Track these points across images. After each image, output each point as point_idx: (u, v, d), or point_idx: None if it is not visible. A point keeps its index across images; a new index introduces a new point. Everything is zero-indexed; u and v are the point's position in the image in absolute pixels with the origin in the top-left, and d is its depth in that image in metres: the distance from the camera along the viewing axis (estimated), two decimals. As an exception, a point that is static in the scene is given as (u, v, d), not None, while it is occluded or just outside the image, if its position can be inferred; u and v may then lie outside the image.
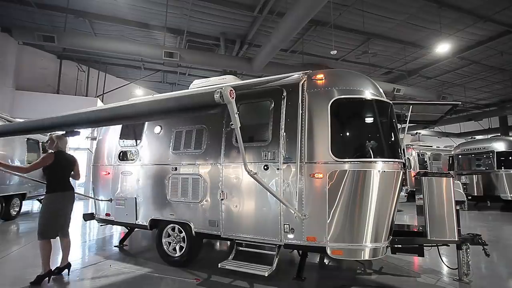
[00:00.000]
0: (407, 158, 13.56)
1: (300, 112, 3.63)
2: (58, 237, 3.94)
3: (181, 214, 4.41)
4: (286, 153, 3.64)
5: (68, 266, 4.03)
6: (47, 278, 3.70)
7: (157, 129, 4.89)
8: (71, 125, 3.61)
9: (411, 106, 4.51)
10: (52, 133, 4.39)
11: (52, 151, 4.05)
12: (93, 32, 11.22)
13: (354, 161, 3.41)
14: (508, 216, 9.68)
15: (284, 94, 3.82)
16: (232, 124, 2.49)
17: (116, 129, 5.44)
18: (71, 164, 4.17)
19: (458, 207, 3.90)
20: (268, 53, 9.98)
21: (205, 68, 14.05)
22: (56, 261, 4.11)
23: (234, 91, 2.35)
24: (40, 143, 9.99)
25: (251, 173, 2.81)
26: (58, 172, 4.03)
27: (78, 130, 4.18)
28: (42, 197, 10.64)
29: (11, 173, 5.80)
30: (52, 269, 3.89)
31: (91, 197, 5.58)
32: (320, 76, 3.78)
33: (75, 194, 4.28)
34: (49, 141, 4.15)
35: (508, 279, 4.20)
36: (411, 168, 13.84)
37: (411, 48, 12.30)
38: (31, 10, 9.59)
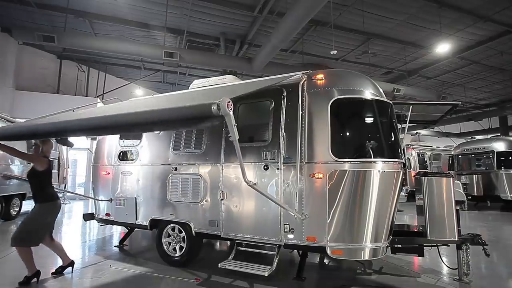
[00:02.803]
0: (407, 158, 13.56)
1: (300, 112, 3.63)
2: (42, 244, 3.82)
3: (181, 214, 4.41)
4: (286, 153, 3.64)
5: (71, 264, 4.05)
6: (36, 278, 3.66)
7: (157, 129, 4.89)
8: (63, 132, 3.47)
9: (411, 106, 4.50)
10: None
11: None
12: (93, 32, 11.21)
13: (354, 161, 3.41)
14: (508, 216, 9.68)
15: (284, 94, 3.82)
16: (230, 136, 2.44)
17: (116, 129, 5.43)
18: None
19: (458, 207, 3.91)
20: (268, 53, 9.97)
21: (205, 68, 14.03)
22: (56, 262, 4.11)
23: (232, 103, 2.30)
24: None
25: (250, 183, 2.80)
26: (48, 180, 3.89)
27: (71, 142, 4.05)
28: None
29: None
30: (55, 269, 3.94)
31: (90, 197, 5.57)
32: (320, 76, 3.78)
33: (73, 194, 4.23)
34: (33, 147, 3.94)
35: (508, 279, 4.20)
36: (411, 168, 13.84)
37: (411, 48, 12.29)
38: (31, 10, 9.58)
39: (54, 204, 3.87)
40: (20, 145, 8.50)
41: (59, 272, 3.94)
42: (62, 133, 3.58)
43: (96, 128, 3.20)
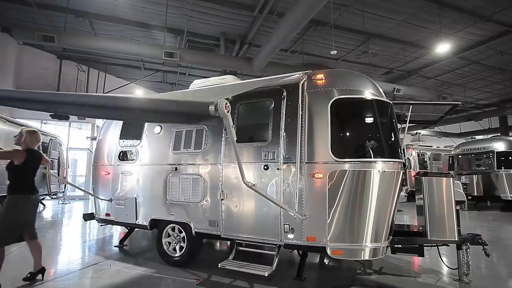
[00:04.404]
0: (407, 158, 13.57)
1: (300, 112, 3.63)
2: (26, 241, 3.67)
3: (181, 214, 4.41)
4: (286, 153, 3.64)
5: (42, 271, 3.77)
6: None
7: (157, 129, 4.89)
8: (67, 104, 3.39)
9: (411, 106, 4.51)
10: (24, 127, 4.02)
11: (22, 149, 3.68)
12: (93, 32, 11.20)
13: (354, 161, 3.41)
14: (508, 216, 9.69)
15: (284, 94, 3.82)
16: (228, 137, 2.47)
17: (116, 129, 5.44)
18: (38, 164, 3.81)
19: (458, 207, 3.90)
20: (268, 53, 9.97)
21: (205, 68, 14.03)
22: (56, 260, 4.10)
23: (229, 104, 2.31)
24: (40, 143, 9.98)
25: (249, 184, 2.80)
26: (26, 174, 3.66)
27: (67, 115, 3.82)
28: (42, 197, 10.73)
29: None
30: (27, 274, 3.71)
31: (92, 194, 5.58)
32: (320, 76, 3.78)
33: (74, 187, 4.11)
34: (17, 136, 3.75)
35: (508, 279, 4.20)
36: (411, 168, 13.85)
37: (411, 48, 12.29)
38: (31, 10, 9.57)
39: (24, 197, 3.59)
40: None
41: (28, 278, 3.66)
42: (65, 104, 3.45)
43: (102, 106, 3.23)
